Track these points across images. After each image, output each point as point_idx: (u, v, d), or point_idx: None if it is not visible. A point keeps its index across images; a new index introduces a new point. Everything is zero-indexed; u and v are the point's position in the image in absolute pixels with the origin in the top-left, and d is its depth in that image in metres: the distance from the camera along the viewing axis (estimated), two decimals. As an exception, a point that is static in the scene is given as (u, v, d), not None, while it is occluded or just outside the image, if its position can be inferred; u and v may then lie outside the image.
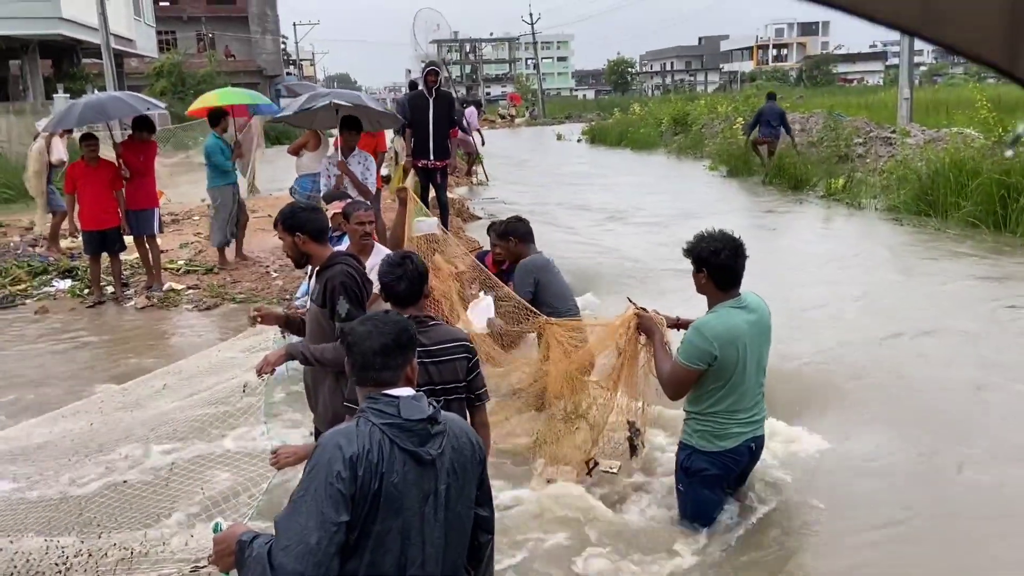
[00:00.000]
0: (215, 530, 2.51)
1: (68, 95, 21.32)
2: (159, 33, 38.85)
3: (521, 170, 23.86)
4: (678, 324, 4.52)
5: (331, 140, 10.90)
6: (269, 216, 12.49)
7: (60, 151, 12.18)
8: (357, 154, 8.55)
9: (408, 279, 3.42)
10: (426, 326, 3.48)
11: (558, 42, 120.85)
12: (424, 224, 6.47)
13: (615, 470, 4.83)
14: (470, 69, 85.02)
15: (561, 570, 4.11)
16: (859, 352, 6.83)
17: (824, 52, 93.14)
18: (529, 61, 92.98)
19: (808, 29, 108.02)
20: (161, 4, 45.98)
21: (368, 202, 6.56)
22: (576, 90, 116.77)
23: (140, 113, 9.39)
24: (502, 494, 4.52)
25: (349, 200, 5.52)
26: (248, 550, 2.28)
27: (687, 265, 4.16)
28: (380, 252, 4.91)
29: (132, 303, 9.39)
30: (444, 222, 9.77)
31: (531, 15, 69.90)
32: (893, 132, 18.01)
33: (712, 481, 4.21)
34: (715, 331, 3.96)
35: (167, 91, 34.43)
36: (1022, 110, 18.21)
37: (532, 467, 5.02)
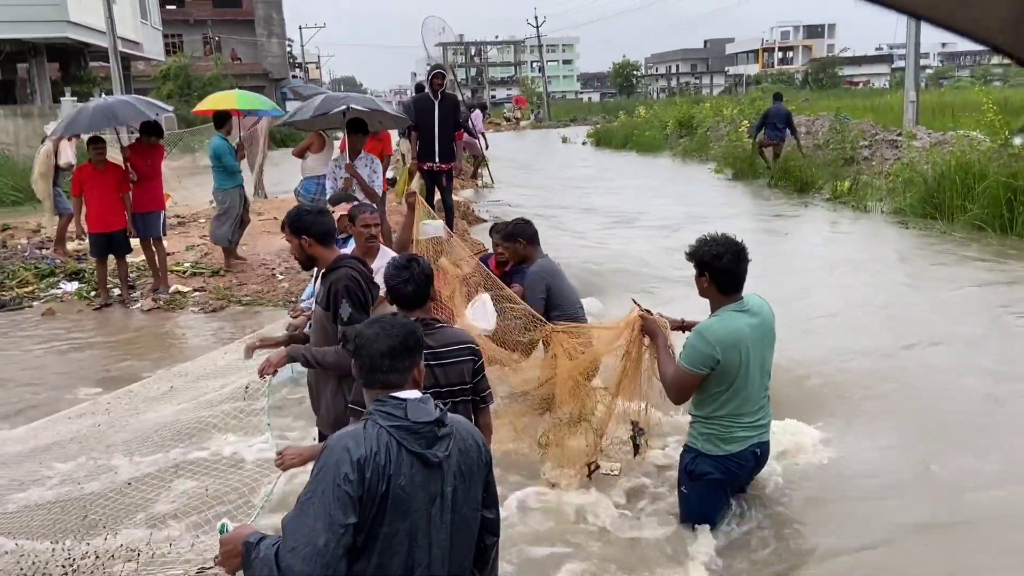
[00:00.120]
0: (221, 531, 2.52)
1: (75, 98, 21.37)
2: (165, 36, 38.95)
3: (526, 173, 23.86)
4: (683, 327, 4.52)
5: (336, 143, 10.95)
6: (275, 219, 12.53)
7: (68, 154, 12.22)
8: (363, 157, 8.57)
9: (415, 281, 3.43)
10: (432, 328, 3.49)
11: (563, 45, 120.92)
12: (430, 227, 6.46)
13: (616, 472, 4.83)
14: (475, 72, 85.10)
15: (562, 572, 4.11)
16: (865, 358, 6.80)
17: (830, 55, 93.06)
18: (534, 64, 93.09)
19: (814, 32, 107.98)
20: (167, 7, 46.11)
21: (374, 205, 6.58)
22: (581, 93, 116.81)
23: (149, 118, 9.42)
24: (505, 497, 4.52)
25: (355, 203, 5.52)
26: (255, 551, 2.28)
27: (693, 269, 4.16)
28: (386, 255, 4.92)
29: (138, 305, 9.42)
30: (449, 225, 9.77)
31: (536, 18, 70.05)
32: (899, 135, 17.99)
33: (715, 485, 4.21)
34: (717, 335, 3.96)
35: (173, 94, 34.49)
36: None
37: (538, 470, 5.02)
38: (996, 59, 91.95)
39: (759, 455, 4.25)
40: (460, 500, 2.41)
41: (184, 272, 10.54)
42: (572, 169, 24.97)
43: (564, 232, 13.05)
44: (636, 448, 4.73)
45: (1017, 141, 11.75)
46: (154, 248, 9.70)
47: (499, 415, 5.27)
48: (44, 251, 11.78)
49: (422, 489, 2.32)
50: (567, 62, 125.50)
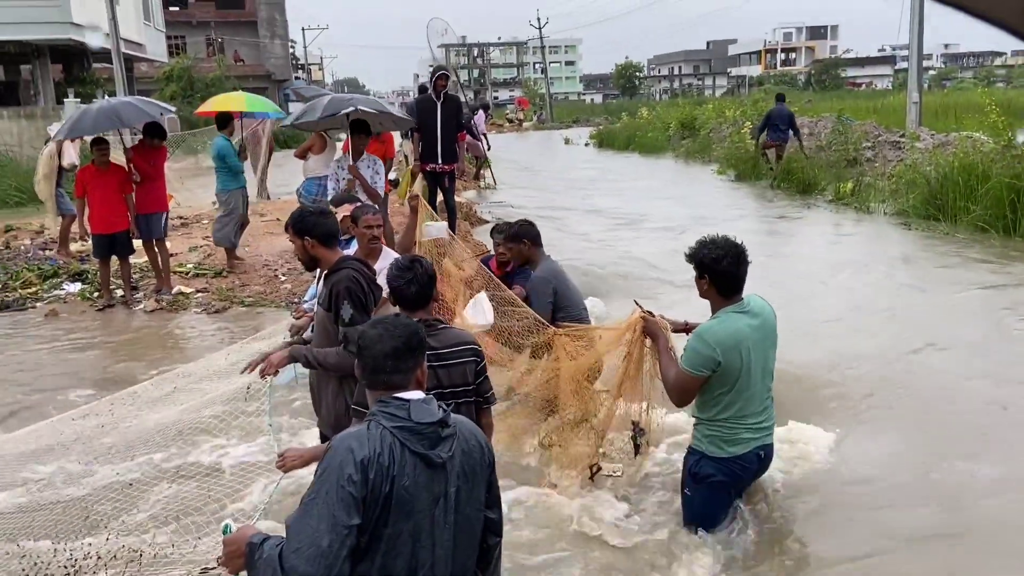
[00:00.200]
0: (225, 531, 2.52)
1: (79, 100, 21.42)
2: (169, 38, 38.99)
3: (529, 174, 23.86)
4: (686, 329, 4.51)
5: (339, 144, 10.94)
6: (278, 220, 12.55)
7: (72, 155, 12.25)
8: (366, 158, 8.57)
9: (418, 283, 3.43)
10: (436, 329, 3.49)
11: (566, 46, 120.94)
12: (433, 228, 6.46)
13: (618, 473, 4.82)
14: (478, 73, 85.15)
15: (564, 574, 4.11)
16: (868, 362, 6.76)
17: (833, 56, 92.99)
18: (537, 65, 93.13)
19: (817, 33, 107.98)
20: (171, 9, 46.17)
21: (376, 206, 6.58)
22: (584, 94, 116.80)
23: (153, 119, 9.43)
24: (507, 498, 4.52)
25: (358, 204, 5.52)
26: (258, 552, 2.28)
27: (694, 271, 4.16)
28: (388, 256, 4.91)
29: (141, 306, 9.43)
30: (452, 226, 9.78)
31: (539, 19, 70.05)
32: (902, 136, 17.97)
33: (720, 487, 4.20)
34: (717, 337, 3.95)
35: (176, 95, 34.57)
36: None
37: (540, 472, 5.02)
38: (999, 60, 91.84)
39: (763, 457, 4.23)
40: (463, 501, 2.41)
41: (187, 273, 10.55)
42: (575, 170, 24.97)
43: (567, 234, 13.05)
44: (637, 448, 4.72)
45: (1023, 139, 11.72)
46: (157, 249, 9.71)
47: (502, 417, 5.28)
48: (47, 252, 11.80)
49: (425, 490, 2.32)
50: (569, 63, 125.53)
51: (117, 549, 4.01)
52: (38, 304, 9.66)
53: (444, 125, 10.33)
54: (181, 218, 13.97)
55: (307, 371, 4.36)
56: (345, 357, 3.79)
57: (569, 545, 4.33)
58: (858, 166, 17.10)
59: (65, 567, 3.87)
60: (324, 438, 4.27)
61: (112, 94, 22.06)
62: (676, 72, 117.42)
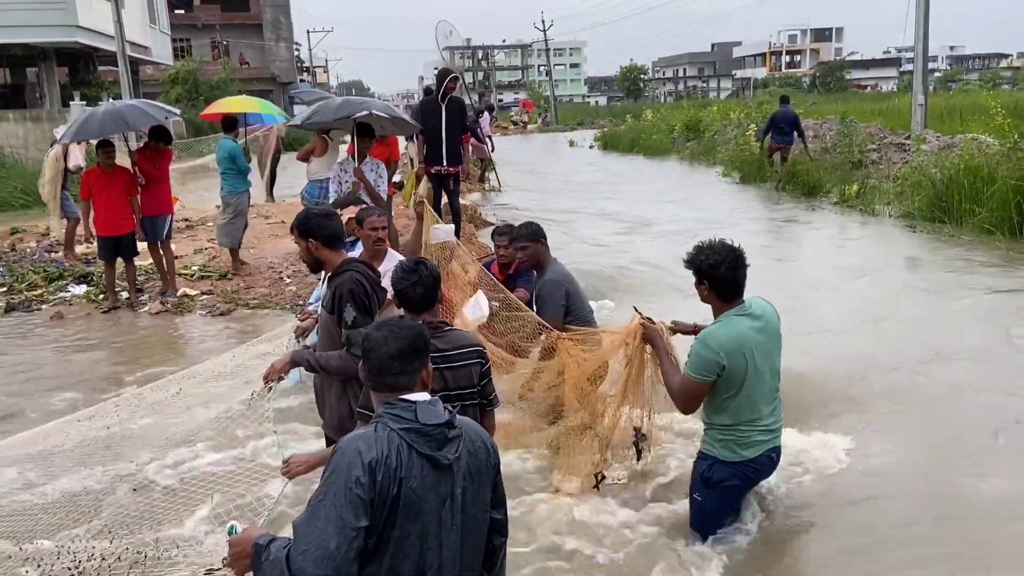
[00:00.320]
0: (230, 533, 2.52)
1: (84, 102, 21.48)
2: (174, 40, 39.07)
3: (533, 177, 23.86)
4: (696, 330, 4.49)
5: (342, 147, 10.96)
6: (283, 222, 12.57)
7: (77, 157, 12.28)
8: (369, 162, 8.59)
9: (423, 285, 3.43)
10: (441, 331, 3.48)
11: (570, 49, 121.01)
12: (440, 231, 6.47)
13: (623, 480, 4.81)
14: (482, 76, 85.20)
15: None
16: (876, 368, 6.69)
17: (837, 58, 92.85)
18: (541, 68, 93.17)
19: (821, 35, 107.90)
20: (176, 12, 46.29)
21: (381, 208, 6.58)
22: (588, 97, 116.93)
23: (158, 122, 9.44)
24: (511, 502, 4.50)
25: (363, 206, 5.53)
26: (265, 553, 2.28)
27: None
28: (393, 258, 4.92)
29: (146, 308, 9.45)
30: (456, 228, 9.78)
31: (543, 22, 70.08)
32: (907, 138, 17.94)
33: (732, 491, 4.18)
34: (719, 341, 3.93)
35: (182, 98, 34.66)
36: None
37: (545, 477, 5.01)
38: (1004, 62, 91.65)
39: (773, 459, 4.22)
40: (470, 502, 2.41)
41: (192, 275, 10.57)
42: (579, 173, 24.95)
43: (574, 237, 13.01)
44: (639, 454, 4.71)
45: None
46: (161, 251, 9.73)
47: (505, 421, 5.28)
48: (53, 254, 11.83)
49: (433, 491, 2.32)
50: (574, 66, 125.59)
51: (121, 551, 4.01)
52: (44, 306, 9.68)
53: (449, 127, 10.34)
54: (186, 220, 14.00)
55: (311, 374, 4.36)
56: (348, 360, 3.79)
57: (573, 549, 4.32)
58: (863, 168, 17.07)
59: (69, 569, 3.87)
60: (329, 441, 4.27)
61: (117, 97, 22.14)
62: (681, 74, 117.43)
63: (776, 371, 4.15)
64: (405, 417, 2.34)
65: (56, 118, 21.10)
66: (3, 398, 6.88)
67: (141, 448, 5.16)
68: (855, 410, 5.92)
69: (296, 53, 61.99)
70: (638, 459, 4.74)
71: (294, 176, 15.16)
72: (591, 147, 36.12)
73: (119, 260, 9.51)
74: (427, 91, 12.91)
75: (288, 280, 10.31)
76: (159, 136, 9.66)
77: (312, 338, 4.76)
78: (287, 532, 2.36)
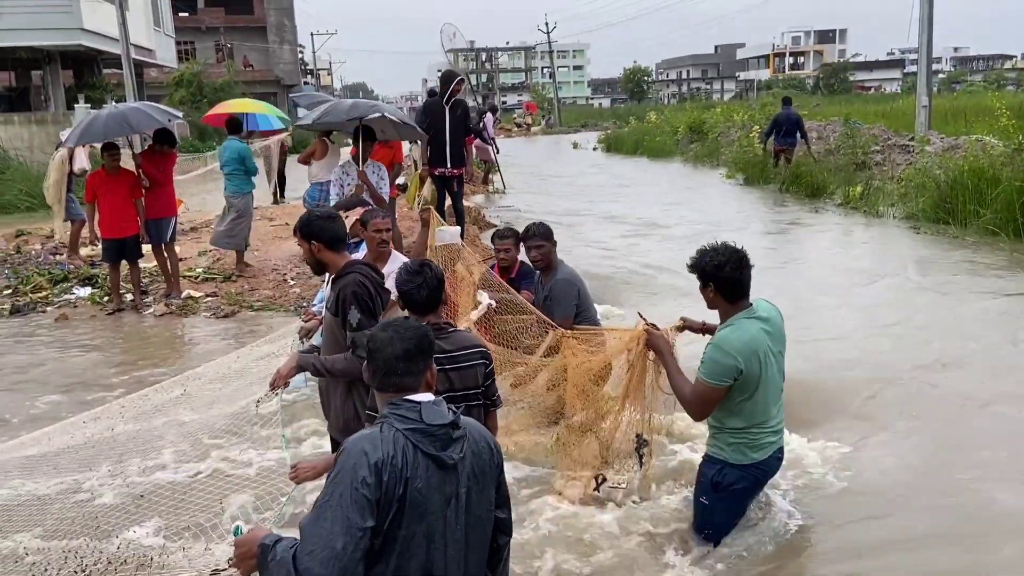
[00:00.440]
0: (236, 533, 2.52)
1: (89, 105, 21.55)
2: (178, 43, 39.17)
3: (538, 179, 23.86)
4: (704, 328, 4.48)
5: (343, 149, 10.97)
6: (287, 224, 12.59)
7: (82, 160, 12.31)
8: (371, 164, 8.62)
9: (428, 286, 3.43)
10: (445, 332, 3.49)
11: (574, 51, 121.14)
12: (446, 234, 6.46)
13: (623, 485, 4.80)
14: (486, 78, 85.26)
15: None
16: (883, 374, 6.62)
17: (841, 60, 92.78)
18: (545, 70, 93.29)
19: (825, 37, 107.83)
20: (180, 15, 46.37)
21: (384, 210, 6.59)
22: (592, 99, 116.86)
23: (162, 125, 9.47)
24: (513, 504, 4.49)
25: (368, 208, 5.54)
26: (271, 554, 2.28)
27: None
28: (397, 259, 4.92)
29: (151, 311, 9.47)
30: (460, 230, 9.79)
31: (547, 24, 70.09)
32: (911, 140, 17.92)
33: (742, 494, 4.16)
34: (735, 346, 3.90)
35: (186, 100, 34.74)
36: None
37: (547, 480, 5.00)
38: (1009, 63, 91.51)
39: (780, 459, 4.22)
40: (474, 501, 2.42)
41: (196, 278, 10.59)
42: (583, 175, 24.94)
43: (579, 241, 12.96)
44: (640, 459, 4.71)
45: None
46: (166, 254, 9.75)
47: (510, 421, 5.28)
48: (58, 257, 11.86)
49: (438, 491, 2.33)
50: (578, 68, 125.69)
51: (127, 555, 4.02)
52: (48, 308, 9.70)
53: (452, 129, 10.36)
54: (191, 222, 14.03)
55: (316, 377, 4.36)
56: (353, 362, 3.79)
57: (576, 551, 4.31)
58: (867, 170, 17.06)
59: (75, 571, 3.88)
60: (334, 443, 4.27)
61: (121, 100, 22.19)
62: (684, 76, 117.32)
63: (783, 372, 4.15)
64: (410, 417, 2.34)
65: (61, 121, 21.18)
66: (31, 398, 6.89)
67: (146, 450, 5.16)
68: (861, 417, 5.88)
69: (300, 56, 62.07)
70: (640, 466, 4.73)
71: (297, 179, 15.20)
72: (595, 149, 36.12)
73: (123, 262, 9.53)
74: (431, 93, 12.95)
75: (292, 282, 10.32)
76: (163, 139, 9.68)
77: (316, 339, 4.77)
78: (294, 534, 2.36)
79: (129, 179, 9.32)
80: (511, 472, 4.76)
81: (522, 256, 6.23)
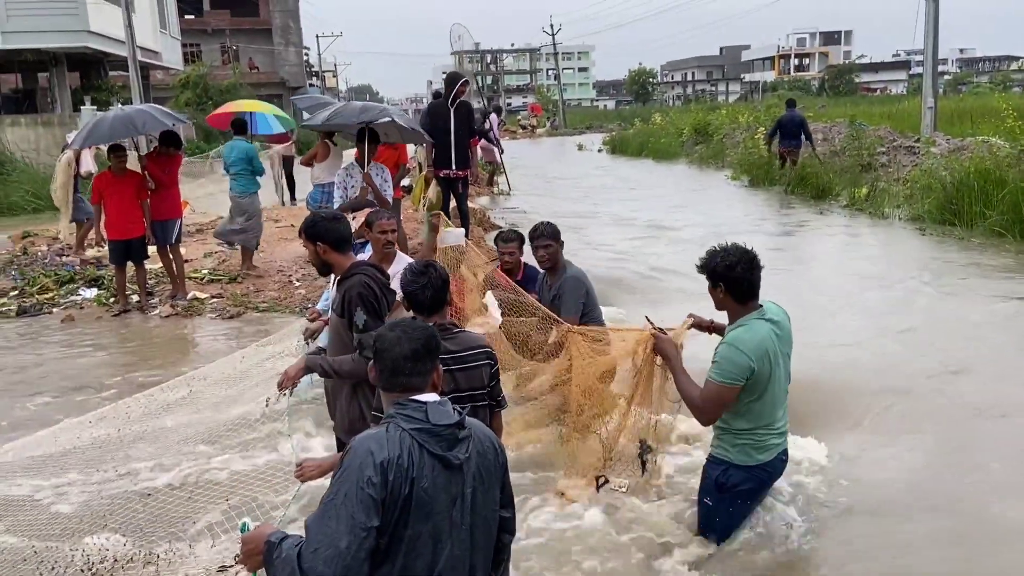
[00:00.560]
0: (242, 530, 2.53)
1: (95, 107, 21.61)
2: (184, 45, 39.26)
3: (543, 181, 23.85)
4: (712, 327, 4.47)
5: (345, 152, 10.98)
6: (292, 226, 12.61)
7: (88, 162, 12.36)
8: (374, 166, 8.64)
9: (432, 287, 3.44)
10: (451, 333, 3.50)
11: (579, 53, 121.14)
12: (451, 235, 6.49)
13: (623, 489, 4.79)
14: (491, 80, 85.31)
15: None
16: (890, 380, 6.54)
17: (847, 61, 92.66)
18: (550, 72, 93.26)
19: (830, 38, 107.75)
20: (186, 17, 46.50)
21: (389, 212, 6.60)
22: (597, 100, 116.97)
23: (167, 128, 9.49)
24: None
25: (374, 209, 5.55)
26: (277, 551, 2.30)
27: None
28: (402, 260, 4.94)
29: (157, 312, 9.49)
30: (465, 231, 9.80)
31: (552, 26, 70.12)
32: (917, 141, 17.88)
33: (746, 496, 4.16)
34: (748, 345, 3.89)
35: (191, 102, 34.81)
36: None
37: (548, 480, 5.00)
38: (1015, 65, 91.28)
39: (784, 461, 4.21)
40: (480, 502, 2.43)
41: (202, 279, 10.61)
42: (588, 177, 24.93)
43: (585, 244, 12.95)
44: (644, 466, 4.70)
45: None
46: (171, 255, 9.78)
47: (513, 420, 5.29)
48: (64, 258, 11.89)
49: (444, 491, 2.34)
50: (583, 70, 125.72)
51: (133, 552, 4.03)
52: (55, 310, 9.74)
53: (457, 131, 10.38)
54: (196, 224, 14.06)
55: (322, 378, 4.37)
56: (360, 363, 3.80)
57: (575, 552, 4.31)
58: (872, 171, 17.04)
59: (81, 570, 3.89)
60: (340, 443, 4.28)
61: (128, 102, 22.24)
62: (689, 78, 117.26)
63: (789, 374, 4.15)
64: (416, 417, 2.35)
65: (67, 123, 21.25)
66: (38, 399, 6.91)
67: (153, 450, 5.18)
68: (866, 421, 5.85)
69: (305, 58, 62.17)
70: (643, 471, 4.73)
71: (305, 181, 15.21)
72: (600, 151, 36.13)
73: (129, 264, 9.55)
74: (436, 95, 12.97)
75: (297, 283, 10.34)
76: (169, 141, 9.71)
77: (321, 339, 4.78)
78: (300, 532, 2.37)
79: (135, 181, 9.35)
80: (512, 472, 4.75)
81: (526, 259, 6.24)
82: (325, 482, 2.70)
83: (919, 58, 26.16)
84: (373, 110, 8.84)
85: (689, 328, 4.52)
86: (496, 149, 19.85)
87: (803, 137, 18.12)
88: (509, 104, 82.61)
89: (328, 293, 5.01)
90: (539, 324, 5.43)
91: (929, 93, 18.70)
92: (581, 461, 4.88)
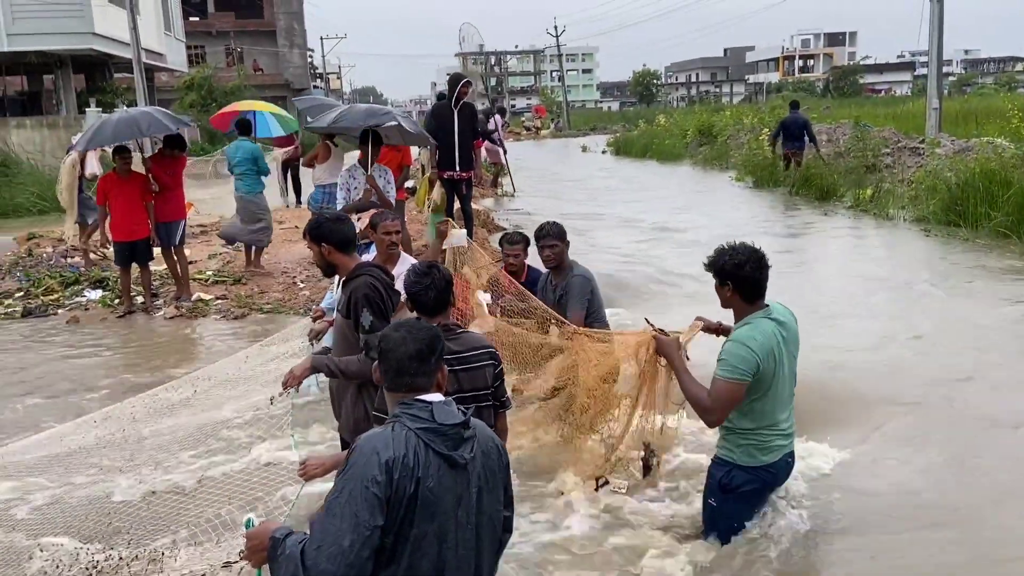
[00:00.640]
0: (247, 526, 2.53)
1: (100, 109, 21.66)
2: (188, 47, 39.34)
3: (547, 182, 23.84)
4: (719, 329, 4.46)
5: (347, 154, 11.00)
6: (296, 227, 12.63)
7: (93, 164, 12.38)
8: (377, 168, 8.65)
9: (436, 288, 3.45)
10: (455, 334, 3.50)
11: (583, 54, 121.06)
12: (454, 237, 6.48)
13: (623, 490, 4.78)
14: (495, 81, 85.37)
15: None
16: (899, 385, 6.51)
17: (851, 62, 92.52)
18: (554, 73, 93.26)
19: (835, 39, 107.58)
20: (191, 19, 46.58)
21: (393, 213, 6.60)
22: (601, 102, 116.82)
23: (171, 131, 9.51)
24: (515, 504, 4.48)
25: (378, 210, 5.56)
26: (281, 547, 2.30)
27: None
28: (406, 261, 4.94)
29: (161, 313, 9.51)
30: (468, 233, 9.79)
31: (556, 27, 70.13)
32: (922, 142, 17.85)
33: (750, 497, 4.14)
34: (755, 342, 3.89)
35: (196, 104, 34.86)
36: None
37: (548, 480, 5.00)
38: (1020, 66, 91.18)
39: (790, 463, 4.20)
40: (485, 501, 2.43)
41: (206, 280, 10.63)
42: (593, 178, 24.91)
43: (590, 243, 12.92)
44: (647, 469, 4.68)
45: None
46: (176, 257, 9.80)
47: (516, 421, 5.28)
48: (69, 259, 11.92)
49: (449, 491, 2.34)
50: (587, 71, 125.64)
51: (138, 551, 4.04)
52: (60, 311, 9.76)
53: (461, 132, 10.39)
54: (201, 226, 14.08)
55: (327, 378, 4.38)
56: (367, 364, 3.80)
57: (575, 552, 4.31)
58: (877, 172, 17.00)
59: (87, 568, 3.90)
60: (344, 443, 4.28)
61: (132, 104, 22.31)
62: (694, 79, 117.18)
63: (795, 376, 4.14)
64: (422, 417, 2.35)
65: (72, 125, 21.31)
66: (43, 399, 6.93)
67: (157, 450, 5.18)
68: (871, 424, 5.81)
69: (309, 59, 62.24)
70: (645, 474, 4.72)
71: (305, 183, 15.25)
72: (604, 152, 36.10)
73: (134, 265, 9.57)
74: (440, 97, 12.97)
75: (302, 285, 10.36)
76: (173, 143, 9.73)
77: (326, 340, 4.79)
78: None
79: (140, 182, 9.37)
80: (513, 469, 4.75)
81: (530, 261, 6.24)
82: (329, 481, 2.70)
83: (924, 59, 26.13)
84: (378, 113, 8.89)
85: (697, 332, 4.50)
86: (501, 150, 19.86)
87: (807, 139, 18.09)
88: (513, 106, 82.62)
89: (330, 295, 5.02)
90: (537, 327, 5.42)
91: (934, 94, 18.67)
92: (582, 461, 4.87)
